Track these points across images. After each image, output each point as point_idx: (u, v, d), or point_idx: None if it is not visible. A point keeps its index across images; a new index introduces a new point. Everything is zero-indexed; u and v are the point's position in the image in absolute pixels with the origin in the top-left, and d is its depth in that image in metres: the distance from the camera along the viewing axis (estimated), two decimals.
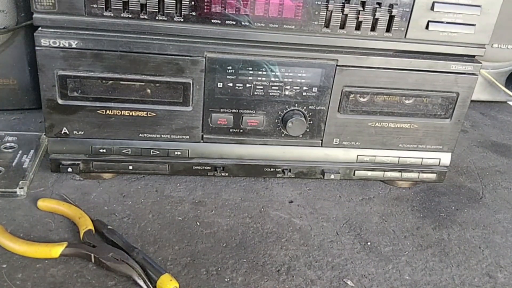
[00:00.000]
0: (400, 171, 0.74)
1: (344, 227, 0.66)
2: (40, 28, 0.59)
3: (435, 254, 0.63)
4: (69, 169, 0.67)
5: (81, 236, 0.57)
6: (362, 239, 0.64)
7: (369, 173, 0.74)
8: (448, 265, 0.61)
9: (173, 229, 0.62)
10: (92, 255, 0.54)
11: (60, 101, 0.63)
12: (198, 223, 0.64)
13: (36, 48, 0.60)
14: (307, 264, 0.59)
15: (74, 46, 0.60)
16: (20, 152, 0.72)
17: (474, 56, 0.68)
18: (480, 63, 0.68)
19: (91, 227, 0.58)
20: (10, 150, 0.72)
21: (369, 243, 0.64)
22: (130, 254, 0.54)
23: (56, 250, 0.54)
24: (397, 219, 0.69)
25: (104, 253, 0.54)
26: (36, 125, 0.82)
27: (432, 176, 0.75)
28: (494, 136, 0.98)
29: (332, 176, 0.73)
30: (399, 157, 0.73)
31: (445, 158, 0.74)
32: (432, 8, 0.63)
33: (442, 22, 0.64)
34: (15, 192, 0.64)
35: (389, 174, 0.74)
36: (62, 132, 0.65)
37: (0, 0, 0.72)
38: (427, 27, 0.64)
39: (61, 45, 0.59)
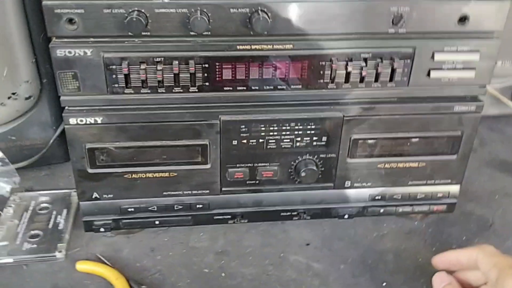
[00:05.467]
0: (411, 205, 0.78)
1: (360, 268, 0.70)
2: (66, 108, 0.64)
3: None
4: (101, 229, 0.72)
5: None
6: (378, 280, 0.68)
7: (381, 210, 0.78)
8: None
9: (201, 282, 0.67)
10: None
11: (89, 170, 0.68)
12: (224, 274, 0.68)
13: (65, 126, 0.64)
14: None
15: (99, 122, 0.64)
16: (54, 212, 0.77)
17: (476, 95, 0.71)
18: (482, 101, 0.71)
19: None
20: (44, 211, 0.77)
21: (384, 284, 0.68)
22: None
23: None
24: (411, 255, 0.73)
25: None
26: (65, 180, 0.87)
27: (442, 207, 0.79)
28: (503, 154, 1.01)
29: (346, 216, 0.77)
30: (409, 193, 0.77)
31: (454, 190, 0.78)
32: (432, 57, 0.66)
33: (442, 69, 0.68)
34: (55, 256, 0.69)
35: (400, 209, 0.78)
36: (93, 197, 0.70)
37: (25, 71, 0.77)
38: (428, 75, 0.68)
39: (88, 122, 0.64)
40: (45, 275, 0.67)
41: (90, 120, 0.64)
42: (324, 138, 0.70)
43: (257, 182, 0.72)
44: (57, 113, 0.83)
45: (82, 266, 0.68)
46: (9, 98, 0.77)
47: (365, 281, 0.68)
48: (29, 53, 0.76)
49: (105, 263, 0.69)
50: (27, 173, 0.85)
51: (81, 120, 0.64)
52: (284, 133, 0.69)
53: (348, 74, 0.66)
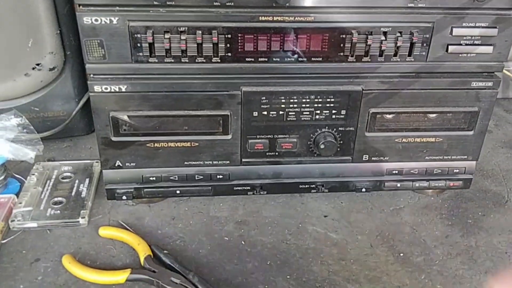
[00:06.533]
0: (427, 180, 0.79)
1: (377, 239, 0.71)
2: (92, 75, 0.66)
3: (464, 262, 0.68)
4: (124, 197, 0.74)
5: (142, 261, 0.64)
6: (395, 251, 0.69)
7: (398, 184, 0.79)
8: (476, 273, 0.66)
9: (222, 249, 0.68)
10: (154, 280, 0.61)
11: (113, 138, 0.69)
12: (243, 242, 0.70)
13: (90, 94, 0.66)
14: (345, 278, 0.64)
15: (123, 90, 0.66)
16: (77, 181, 0.79)
17: (493, 72, 0.72)
18: (500, 78, 0.72)
19: (149, 252, 0.65)
20: (67, 180, 0.79)
21: (401, 254, 0.69)
22: (187, 278, 0.61)
23: (122, 277, 0.61)
24: (427, 229, 0.74)
25: (164, 278, 0.61)
26: (86, 151, 0.89)
27: (459, 183, 0.80)
28: None
29: (363, 189, 0.78)
30: (426, 168, 0.78)
31: (470, 166, 0.79)
32: (451, 33, 0.67)
33: (461, 44, 0.68)
34: (78, 221, 0.71)
35: (417, 184, 0.79)
36: (116, 165, 0.72)
37: (49, 43, 0.78)
38: (447, 50, 0.68)
39: (112, 90, 0.66)
40: (69, 240, 0.69)
41: (115, 88, 0.66)
42: (343, 111, 0.71)
43: (276, 153, 0.74)
44: (80, 85, 0.85)
45: (105, 231, 0.69)
46: (33, 68, 0.79)
47: (382, 251, 0.69)
48: (53, 24, 0.78)
49: (128, 229, 0.70)
50: (49, 144, 0.87)
51: (106, 88, 0.65)
52: (303, 105, 0.70)
53: (367, 48, 0.67)
